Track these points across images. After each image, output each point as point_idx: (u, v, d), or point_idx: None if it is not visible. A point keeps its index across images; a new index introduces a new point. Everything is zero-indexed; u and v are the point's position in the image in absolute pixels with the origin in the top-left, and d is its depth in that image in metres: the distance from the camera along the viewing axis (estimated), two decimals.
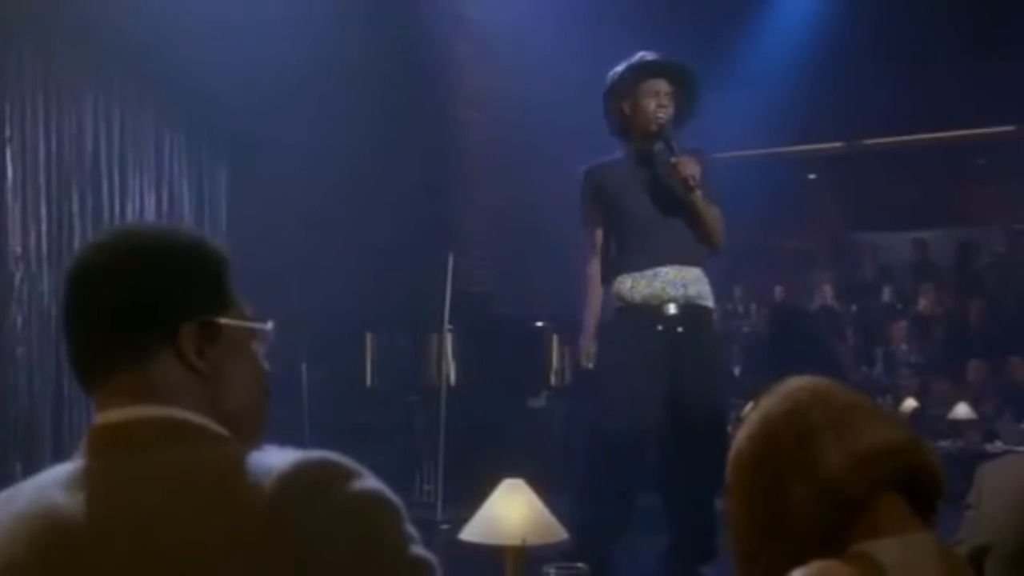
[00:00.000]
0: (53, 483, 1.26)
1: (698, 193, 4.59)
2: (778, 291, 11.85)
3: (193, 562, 1.15)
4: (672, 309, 4.60)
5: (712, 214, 4.70)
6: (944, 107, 10.82)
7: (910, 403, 7.47)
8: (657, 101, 4.69)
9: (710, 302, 4.74)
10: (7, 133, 6.60)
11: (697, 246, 4.72)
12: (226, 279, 1.37)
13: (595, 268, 4.84)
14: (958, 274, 11.33)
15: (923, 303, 10.64)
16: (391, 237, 7.98)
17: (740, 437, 1.62)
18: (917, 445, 1.57)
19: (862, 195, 12.56)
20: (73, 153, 7.00)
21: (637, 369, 4.58)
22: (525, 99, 8.45)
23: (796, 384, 1.62)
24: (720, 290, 11.77)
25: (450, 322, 6.81)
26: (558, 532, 2.97)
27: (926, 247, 11.51)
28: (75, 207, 6.99)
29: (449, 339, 6.96)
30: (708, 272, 4.79)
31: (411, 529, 1.24)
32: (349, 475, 1.22)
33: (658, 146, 4.70)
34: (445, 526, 5.35)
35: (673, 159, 4.59)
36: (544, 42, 8.16)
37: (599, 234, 4.86)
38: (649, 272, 4.62)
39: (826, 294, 11.44)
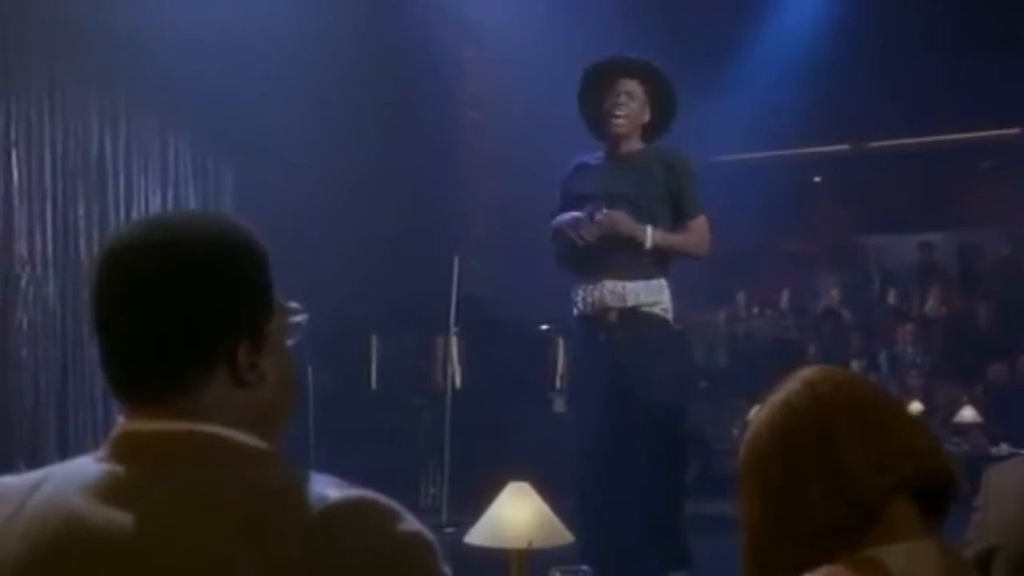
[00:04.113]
0: (80, 486, 1.21)
1: (645, 236, 4.51)
2: (783, 295, 11.84)
3: None
4: (613, 316, 4.57)
5: (683, 238, 4.63)
6: (949, 109, 10.81)
7: (915, 406, 7.46)
8: (613, 101, 4.62)
9: (659, 309, 4.62)
10: (13, 136, 6.61)
11: (648, 258, 4.61)
12: (271, 278, 1.31)
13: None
14: (962, 276, 11.31)
15: (930, 304, 10.64)
16: (396, 239, 7.98)
17: (760, 423, 1.59)
18: (937, 451, 1.56)
19: (866, 198, 12.54)
20: (79, 156, 7.01)
21: (586, 383, 4.65)
22: (529, 102, 8.44)
23: (819, 375, 1.59)
24: (724, 294, 11.82)
25: (455, 324, 6.81)
26: (564, 535, 2.96)
27: (932, 249, 11.49)
28: (81, 210, 7.00)
29: (454, 342, 6.96)
30: (672, 281, 4.72)
31: (447, 570, 1.22)
32: (391, 516, 1.19)
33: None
34: (450, 529, 5.35)
35: (597, 216, 4.53)
36: (548, 45, 8.16)
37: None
38: (594, 284, 4.60)
39: (833, 297, 11.42)
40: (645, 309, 4.58)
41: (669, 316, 4.68)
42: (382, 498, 1.20)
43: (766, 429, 1.58)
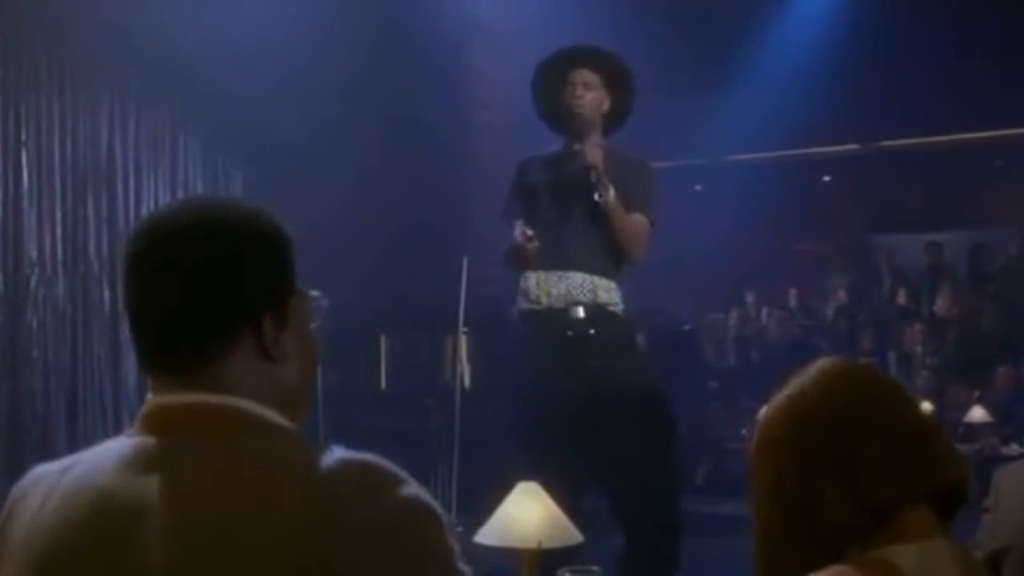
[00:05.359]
0: (111, 460, 1.26)
1: (607, 191, 4.27)
2: (792, 295, 11.84)
3: (231, 560, 1.15)
4: (580, 312, 4.33)
5: (629, 221, 4.37)
6: (959, 108, 10.78)
7: (925, 406, 7.44)
8: (571, 92, 4.44)
9: (620, 310, 4.42)
10: (23, 137, 6.63)
11: (613, 257, 4.41)
12: (293, 259, 1.36)
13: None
14: (973, 276, 11.29)
15: (940, 304, 10.61)
16: (406, 240, 7.98)
17: (772, 421, 1.58)
18: (952, 456, 1.55)
19: (876, 197, 12.52)
20: (88, 157, 7.03)
21: (548, 380, 4.33)
22: None
23: (833, 370, 1.58)
24: (733, 294, 11.81)
25: (465, 324, 6.81)
26: (573, 535, 2.96)
27: (941, 250, 11.46)
28: (90, 211, 7.02)
29: (464, 341, 6.96)
30: (622, 286, 4.48)
31: (453, 542, 1.23)
32: (394, 481, 1.21)
33: (578, 145, 4.39)
34: (459, 529, 5.36)
35: (576, 146, 4.33)
36: (558, 45, 8.15)
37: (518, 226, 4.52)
38: (556, 274, 4.36)
39: (841, 298, 11.42)
40: (612, 308, 4.39)
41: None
42: (385, 462, 1.23)
43: (779, 430, 1.57)
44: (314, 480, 1.18)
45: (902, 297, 11.24)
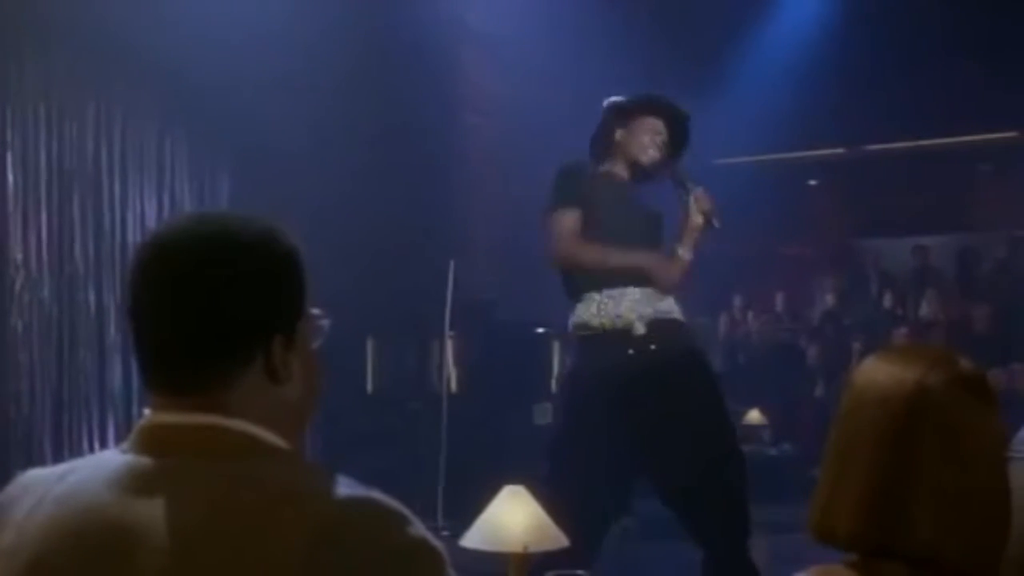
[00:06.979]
0: (103, 476, 1.23)
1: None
2: (779, 299, 11.85)
3: None
4: (641, 328, 4.27)
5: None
6: (946, 112, 10.81)
7: None
8: (652, 139, 4.50)
9: (677, 314, 4.40)
10: (8, 139, 6.61)
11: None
12: (305, 278, 1.33)
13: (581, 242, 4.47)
14: (960, 280, 11.31)
15: (926, 309, 10.63)
16: (394, 243, 7.97)
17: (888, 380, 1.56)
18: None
19: (863, 201, 12.55)
20: (74, 159, 7.01)
21: (612, 405, 4.23)
22: (529, 106, 8.44)
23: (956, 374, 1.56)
24: (720, 298, 11.80)
25: (452, 328, 6.81)
26: (559, 539, 2.96)
27: (927, 253, 11.49)
28: (76, 213, 7.00)
29: (451, 345, 6.96)
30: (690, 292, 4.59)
31: None
32: (400, 520, 1.19)
33: (661, 177, 4.52)
34: (446, 532, 5.33)
35: (692, 195, 4.45)
36: (548, 49, 8.17)
37: (578, 217, 4.46)
38: (616, 291, 4.31)
39: (828, 302, 11.43)
40: (672, 316, 4.37)
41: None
42: (391, 502, 1.20)
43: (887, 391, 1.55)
44: (319, 514, 1.15)
45: (889, 301, 11.25)
